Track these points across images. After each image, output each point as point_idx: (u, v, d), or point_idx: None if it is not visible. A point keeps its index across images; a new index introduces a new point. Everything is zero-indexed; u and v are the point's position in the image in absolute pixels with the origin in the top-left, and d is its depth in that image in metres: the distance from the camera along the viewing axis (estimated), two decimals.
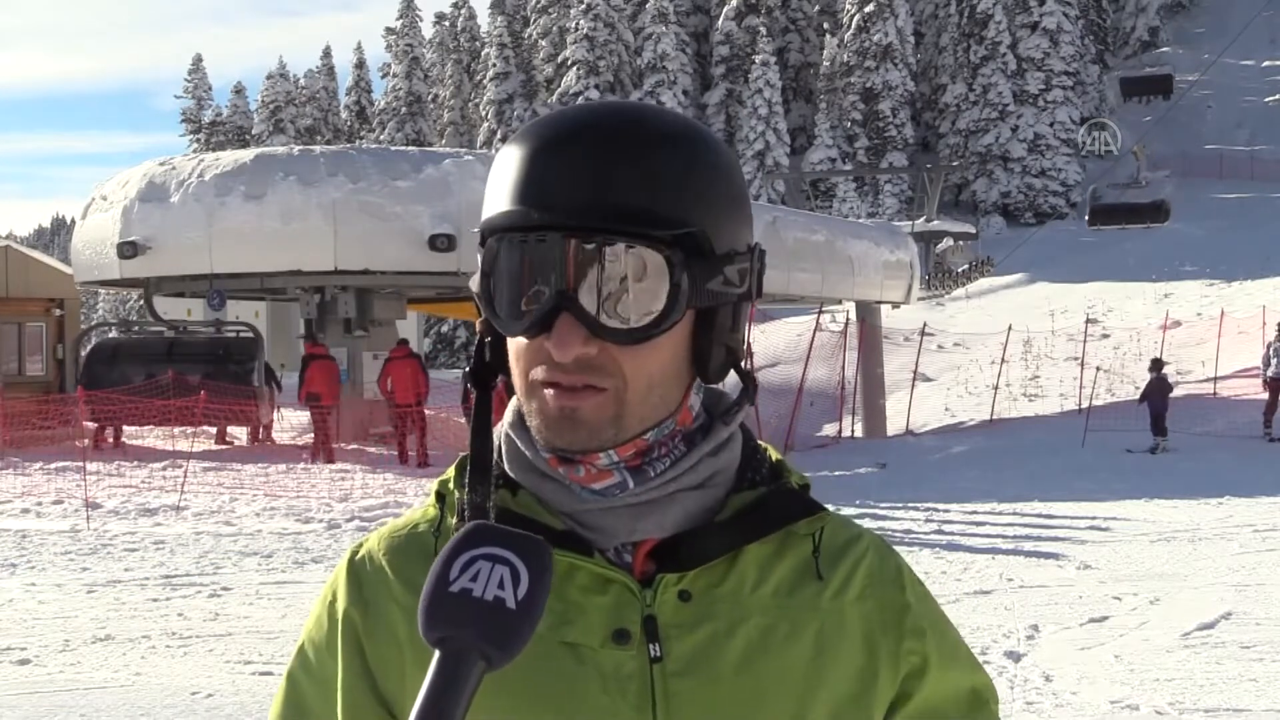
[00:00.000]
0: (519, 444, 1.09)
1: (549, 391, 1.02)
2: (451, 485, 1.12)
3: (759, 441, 1.17)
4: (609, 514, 1.06)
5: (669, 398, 1.06)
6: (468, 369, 1.13)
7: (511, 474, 1.09)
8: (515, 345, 1.05)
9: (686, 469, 1.07)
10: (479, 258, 1.05)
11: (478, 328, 1.09)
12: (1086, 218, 37.33)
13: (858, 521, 1.20)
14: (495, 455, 1.10)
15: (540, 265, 1.00)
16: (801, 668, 1.06)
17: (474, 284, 1.05)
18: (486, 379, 1.11)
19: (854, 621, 1.10)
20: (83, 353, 22.12)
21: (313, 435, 18.52)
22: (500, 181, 1.03)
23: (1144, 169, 37.53)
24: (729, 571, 1.08)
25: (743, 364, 1.10)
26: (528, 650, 0.93)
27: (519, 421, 1.09)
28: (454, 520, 1.09)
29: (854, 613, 1.10)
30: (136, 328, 22.28)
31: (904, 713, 1.14)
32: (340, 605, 1.11)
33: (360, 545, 1.14)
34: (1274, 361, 20.37)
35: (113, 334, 22.54)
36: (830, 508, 1.15)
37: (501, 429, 1.12)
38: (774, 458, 1.15)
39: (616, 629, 1.04)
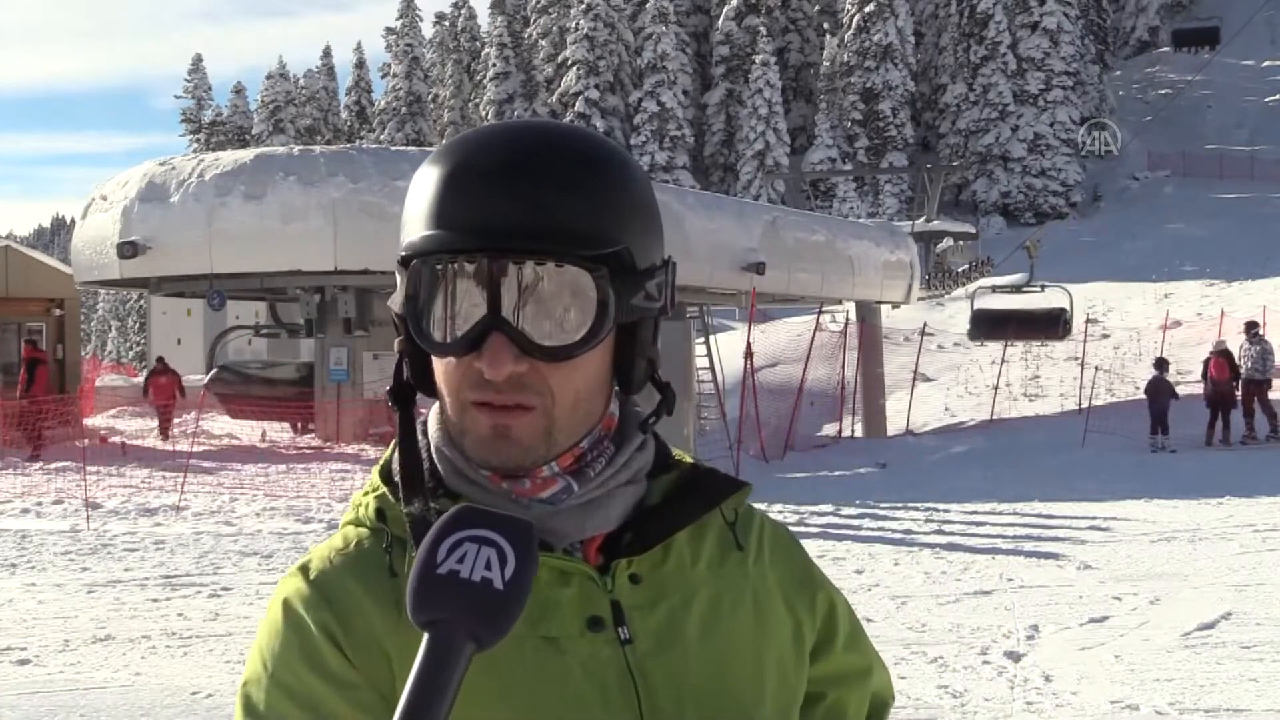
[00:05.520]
0: (454, 460, 1.09)
1: (481, 411, 1.04)
2: (391, 500, 1.09)
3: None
4: (557, 516, 1.07)
5: (593, 411, 1.09)
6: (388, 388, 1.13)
7: (451, 487, 1.09)
8: (443, 364, 1.05)
9: (620, 466, 1.11)
10: (399, 279, 1.06)
11: (396, 346, 1.10)
12: (967, 330, 29.15)
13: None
14: (426, 469, 1.10)
15: (470, 286, 1.01)
16: (750, 630, 1.13)
17: (395, 304, 1.06)
18: (409, 397, 1.13)
19: (773, 583, 1.18)
20: (217, 354, 22.61)
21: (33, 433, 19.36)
22: (421, 203, 1.04)
23: (1037, 270, 30.51)
24: (668, 552, 1.12)
25: (658, 375, 1.14)
26: (512, 650, 0.96)
27: (449, 437, 1.09)
28: (407, 532, 1.05)
29: (771, 576, 1.18)
30: (264, 332, 22.83)
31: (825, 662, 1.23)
32: (312, 617, 1.05)
33: (307, 564, 1.09)
34: (1246, 364, 20.42)
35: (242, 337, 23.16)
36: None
37: (428, 443, 1.11)
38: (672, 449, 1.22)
39: (590, 616, 1.06)
